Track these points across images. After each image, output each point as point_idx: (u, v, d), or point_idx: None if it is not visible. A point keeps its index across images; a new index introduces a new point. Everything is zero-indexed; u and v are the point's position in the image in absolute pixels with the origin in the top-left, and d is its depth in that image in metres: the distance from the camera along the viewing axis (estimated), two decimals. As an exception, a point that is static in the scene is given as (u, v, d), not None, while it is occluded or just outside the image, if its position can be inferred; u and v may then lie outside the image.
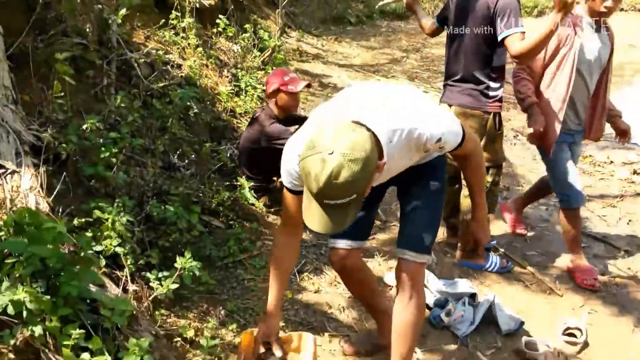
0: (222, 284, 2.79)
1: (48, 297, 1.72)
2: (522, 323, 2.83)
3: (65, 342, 1.67)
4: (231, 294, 2.73)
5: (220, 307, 2.60)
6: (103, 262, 2.18)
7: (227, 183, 3.51)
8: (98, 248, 2.24)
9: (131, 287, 2.19)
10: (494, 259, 3.34)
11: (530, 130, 2.99)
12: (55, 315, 1.72)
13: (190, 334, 2.26)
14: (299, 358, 2.31)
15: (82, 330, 1.69)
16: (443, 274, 3.13)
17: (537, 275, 3.30)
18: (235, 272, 2.90)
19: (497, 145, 3.14)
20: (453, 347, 2.63)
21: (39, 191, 2.14)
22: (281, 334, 2.41)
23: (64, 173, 2.29)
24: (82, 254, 1.82)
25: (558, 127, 3.00)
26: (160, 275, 2.33)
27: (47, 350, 1.67)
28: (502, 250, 3.54)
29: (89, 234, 2.25)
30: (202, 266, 2.50)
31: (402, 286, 2.11)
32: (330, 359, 2.44)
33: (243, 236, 3.14)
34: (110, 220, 2.25)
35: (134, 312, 2.09)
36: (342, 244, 2.26)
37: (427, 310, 2.86)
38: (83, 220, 2.26)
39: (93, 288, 2.02)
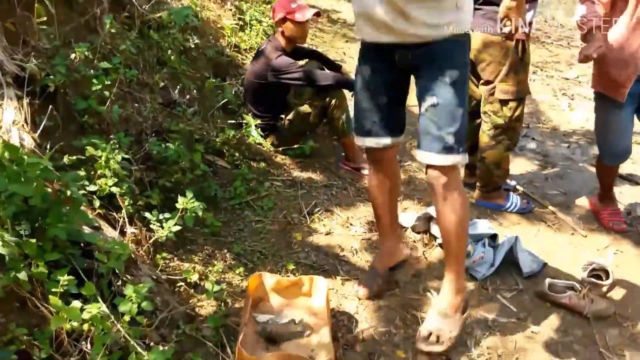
0: (228, 226, 2.60)
1: (34, 240, 1.53)
2: (545, 265, 2.65)
3: (54, 289, 1.49)
4: (238, 237, 2.55)
5: (226, 250, 2.42)
6: (97, 202, 1.99)
7: (232, 121, 3.27)
8: (92, 188, 2.04)
9: (129, 230, 2.00)
10: (514, 199, 3.12)
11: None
12: (41, 261, 1.53)
13: (194, 278, 2.09)
14: (309, 302, 2.14)
15: (71, 277, 1.50)
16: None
17: (559, 216, 3.09)
18: (242, 214, 2.71)
19: (520, 76, 2.84)
20: (472, 289, 2.45)
21: (23, 126, 1.92)
22: (291, 277, 2.24)
23: (51, 107, 2.06)
24: (68, 192, 1.61)
25: (635, 73, 2.57)
26: (161, 217, 2.14)
27: (33, 298, 1.50)
28: (522, 189, 3.32)
29: (81, 173, 2.04)
30: (206, 207, 2.31)
31: (437, 196, 2.02)
32: (344, 303, 2.27)
33: (250, 177, 2.93)
34: (104, 158, 2.03)
35: (133, 256, 1.91)
36: (379, 142, 2.14)
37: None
38: (74, 158, 2.05)
39: (87, 230, 1.84)
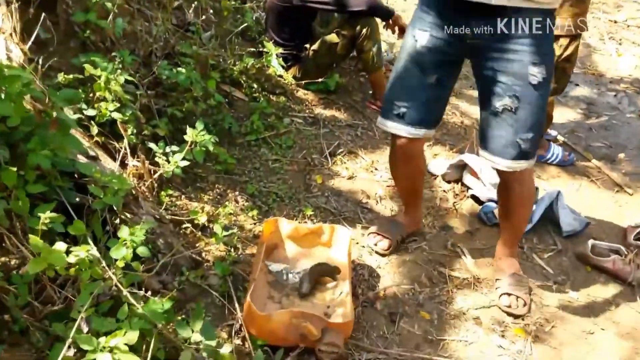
0: (242, 164, 2.34)
1: (14, 169, 1.29)
2: (587, 224, 2.37)
3: (36, 227, 1.26)
4: (253, 176, 2.29)
5: (239, 190, 2.17)
6: (95, 129, 1.73)
7: (252, 49, 2.94)
8: (90, 112, 1.77)
9: (131, 162, 1.75)
10: (556, 150, 2.80)
11: None
12: (22, 192, 1.29)
13: (202, 220, 1.85)
14: (328, 253, 1.90)
15: (56, 214, 1.26)
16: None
17: (603, 170, 2.78)
18: (259, 152, 2.44)
19: (578, 8, 2.42)
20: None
21: (11, 35, 1.64)
22: (309, 224, 1.99)
23: (44, 15, 1.76)
24: (54, 113, 1.35)
25: None
26: (168, 149, 1.88)
27: (12, 236, 1.27)
28: (563, 139, 2.99)
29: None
30: (218, 142, 2.05)
31: (506, 187, 1.83)
32: (365, 256, 2.03)
33: (269, 111, 2.64)
34: (103, 78, 1.75)
35: (134, 192, 1.67)
36: (410, 132, 1.79)
37: (477, 205, 2.41)
38: (71, 76, 1.78)
39: (82, 160, 1.59)
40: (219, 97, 2.39)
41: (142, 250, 1.35)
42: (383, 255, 2.03)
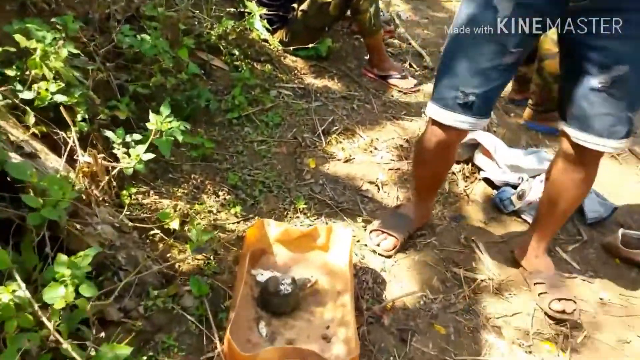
0: (222, 147, 1.97)
1: None
2: (614, 209, 2.07)
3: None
4: (235, 162, 1.93)
5: (220, 180, 1.82)
6: (32, 119, 1.35)
7: (232, 10, 2.52)
8: (27, 95, 1.39)
9: (82, 158, 1.38)
10: (572, 122, 2.47)
11: None
12: None
13: (174, 224, 1.50)
14: (325, 259, 1.58)
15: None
16: (507, 141, 2.29)
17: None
18: (242, 132, 2.08)
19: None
20: (523, 237, 1.89)
21: None
22: (301, 227, 1.66)
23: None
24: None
25: None
26: (129, 139, 1.51)
27: None
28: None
29: (10, 73, 1.39)
30: (191, 126, 1.68)
31: (571, 166, 1.51)
32: (368, 256, 1.71)
33: (252, 82, 2.25)
34: (39, 52, 1.36)
35: (84, 197, 1.31)
36: (474, 124, 1.43)
37: (491, 189, 2.09)
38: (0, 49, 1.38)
39: (15, 159, 1.23)
40: (193, 68, 2.00)
41: (87, 289, 1.01)
42: (388, 256, 1.71)
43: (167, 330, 1.31)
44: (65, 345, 0.96)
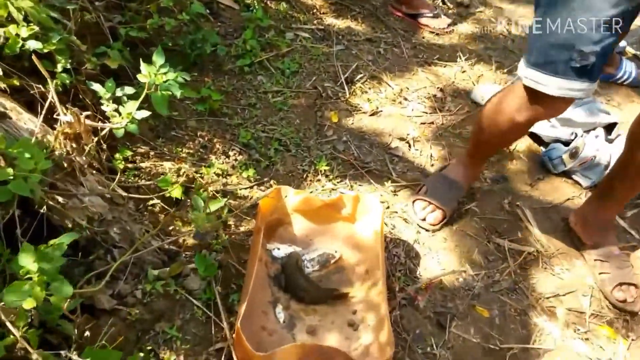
0: (233, 100, 1.72)
1: None
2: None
3: None
4: (247, 117, 1.68)
5: (230, 138, 1.58)
6: (-1, 70, 1.11)
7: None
8: (-6, 43, 1.15)
9: (63, 117, 1.15)
10: (628, 67, 2.15)
11: None
12: None
13: (176, 193, 1.28)
14: (352, 230, 1.36)
15: None
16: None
17: (688, 92, 2.15)
18: (254, 81, 1.81)
19: None
20: (575, 202, 1.64)
21: None
22: (319, 189, 1.43)
23: None
24: None
25: None
26: (120, 92, 1.27)
27: None
28: (634, 52, 2.32)
29: (-29, 16, 1.14)
30: (197, 75, 1.43)
31: None
32: (399, 227, 1.48)
33: (266, 23, 1.97)
34: (3, -11, 1.11)
35: (66, 165, 1.09)
36: (591, 90, 1.11)
37: (537, 145, 1.82)
38: (-43, -13, 1.13)
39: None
40: (197, 7, 1.72)
41: (60, 287, 0.80)
42: (433, 231, 1.48)
43: (169, 318, 1.12)
44: (35, 355, 0.77)
